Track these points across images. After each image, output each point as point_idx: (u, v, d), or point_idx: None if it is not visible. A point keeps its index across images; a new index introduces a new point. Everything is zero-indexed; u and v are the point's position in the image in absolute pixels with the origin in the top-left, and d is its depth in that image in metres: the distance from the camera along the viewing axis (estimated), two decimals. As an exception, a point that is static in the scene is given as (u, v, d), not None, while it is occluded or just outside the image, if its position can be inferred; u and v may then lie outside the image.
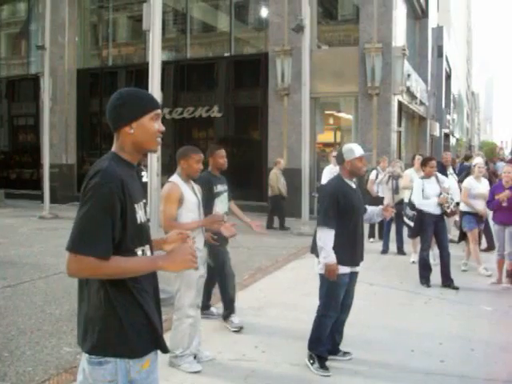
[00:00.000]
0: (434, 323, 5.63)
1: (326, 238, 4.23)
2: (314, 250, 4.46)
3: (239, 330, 5.27)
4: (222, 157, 5.27)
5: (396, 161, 10.58)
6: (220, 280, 5.41)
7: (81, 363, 2.10)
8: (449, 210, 7.16)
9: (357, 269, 4.48)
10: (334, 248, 4.22)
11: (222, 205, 5.19)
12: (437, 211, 7.14)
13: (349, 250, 4.30)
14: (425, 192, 7.19)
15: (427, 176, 7.33)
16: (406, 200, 8.57)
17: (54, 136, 17.67)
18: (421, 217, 7.20)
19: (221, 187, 5.25)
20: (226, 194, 5.32)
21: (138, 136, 2.12)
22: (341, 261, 4.24)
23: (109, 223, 1.95)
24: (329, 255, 4.20)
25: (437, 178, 7.40)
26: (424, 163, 7.45)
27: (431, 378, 4.24)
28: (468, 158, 13.94)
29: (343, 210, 4.26)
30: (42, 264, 8.40)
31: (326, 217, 4.26)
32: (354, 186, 4.47)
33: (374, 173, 10.33)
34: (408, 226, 7.55)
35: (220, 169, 5.31)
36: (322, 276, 4.39)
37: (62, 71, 18.68)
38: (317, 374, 4.27)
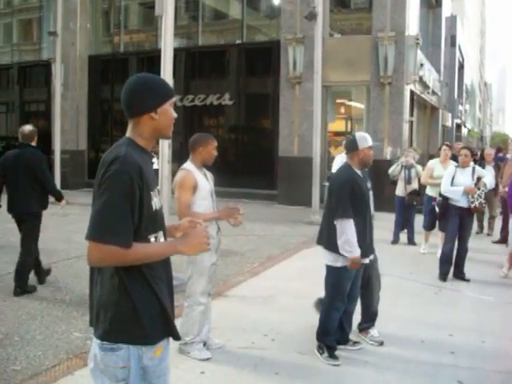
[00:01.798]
0: (444, 314, 5.60)
1: (351, 230, 4.15)
2: (322, 240, 4.39)
3: (380, 344, 4.73)
4: (370, 148, 4.73)
5: (409, 150, 10.47)
6: (363, 292, 4.77)
7: (92, 349, 2.10)
8: (473, 205, 6.81)
9: (366, 260, 4.41)
10: None
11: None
12: (464, 203, 6.85)
13: (361, 241, 4.22)
14: (455, 181, 6.90)
15: (462, 166, 7.07)
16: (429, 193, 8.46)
17: (66, 122, 17.72)
18: (446, 206, 6.96)
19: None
20: (370, 193, 4.73)
21: (161, 122, 2.11)
22: None
23: (129, 210, 1.94)
24: (354, 249, 4.14)
25: (473, 170, 7.06)
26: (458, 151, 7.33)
27: (441, 370, 4.22)
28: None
29: (356, 200, 4.20)
30: (53, 249, 8.44)
31: (346, 207, 4.16)
32: (361, 175, 4.42)
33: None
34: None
35: (365, 165, 4.80)
36: (329, 267, 4.34)
37: (74, 57, 18.68)
38: (326, 363, 4.26)
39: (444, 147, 8.62)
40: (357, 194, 4.22)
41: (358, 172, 4.38)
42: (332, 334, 4.39)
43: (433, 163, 8.59)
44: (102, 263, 1.96)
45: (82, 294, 5.89)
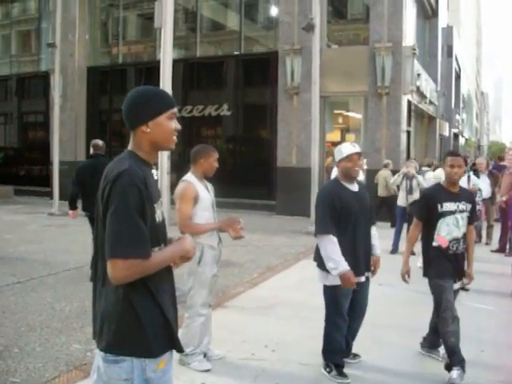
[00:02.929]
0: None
1: (330, 246, 3.98)
2: (317, 258, 4.22)
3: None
4: (452, 165, 4.21)
5: (411, 161, 10.51)
6: (440, 325, 4.29)
7: (95, 361, 2.10)
8: None
9: (361, 278, 4.20)
10: None
11: (448, 228, 4.21)
12: None
13: (349, 258, 3.99)
14: None
15: None
16: None
17: (64, 133, 17.72)
18: None
19: (452, 205, 4.22)
20: (461, 216, 4.24)
21: (155, 135, 2.10)
22: None
23: (142, 222, 1.96)
24: (339, 265, 3.92)
25: (468, 179, 7.13)
26: None
27: (441, 379, 4.21)
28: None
29: (339, 215, 4.03)
30: (52, 261, 8.43)
31: (324, 223, 4.03)
32: (354, 188, 4.20)
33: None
34: None
35: (451, 181, 4.29)
36: (324, 285, 4.21)
37: (72, 69, 18.74)
38: (336, 381, 4.13)
39: None
40: (340, 209, 4.03)
41: (349, 185, 4.19)
42: (338, 353, 4.25)
43: (440, 173, 8.40)
44: (129, 279, 1.95)
45: (81, 306, 5.89)
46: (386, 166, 12.73)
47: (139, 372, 2.00)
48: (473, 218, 4.44)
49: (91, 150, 7.59)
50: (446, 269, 4.25)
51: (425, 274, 4.40)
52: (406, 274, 4.47)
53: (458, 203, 4.25)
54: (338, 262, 3.94)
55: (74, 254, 8.74)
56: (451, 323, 4.19)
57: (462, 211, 4.25)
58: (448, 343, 4.18)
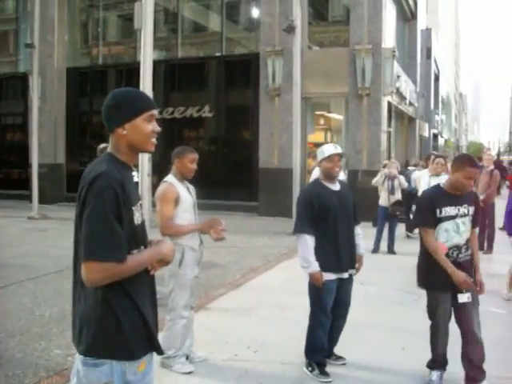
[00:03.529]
0: (423, 322, 5.59)
1: (305, 245, 4.13)
2: None
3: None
4: (470, 178, 3.87)
5: (392, 161, 10.60)
6: (430, 332, 4.22)
7: (75, 365, 2.08)
8: None
9: (345, 275, 4.26)
10: (316, 254, 4.11)
11: (447, 234, 3.89)
12: None
13: (331, 255, 4.13)
14: None
15: (435, 174, 7.32)
16: None
17: (43, 135, 17.48)
18: None
19: (452, 210, 3.90)
20: (462, 221, 3.92)
21: (132, 137, 2.09)
22: (323, 267, 4.10)
23: (118, 225, 1.94)
24: (310, 264, 4.09)
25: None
26: (432, 161, 7.57)
27: (422, 376, 4.23)
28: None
29: (319, 213, 4.14)
30: (31, 265, 8.31)
31: (301, 223, 4.18)
32: (335, 187, 4.29)
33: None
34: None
35: (460, 189, 3.95)
36: (308, 282, 4.27)
37: (51, 70, 18.51)
38: (318, 380, 4.16)
39: (433, 157, 8.11)
40: (318, 208, 4.14)
41: (329, 185, 4.28)
42: (320, 351, 4.29)
43: (423, 174, 8.27)
44: (103, 281, 1.93)
45: (61, 310, 5.80)
46: (384, 166, 12.66)
47: (119, 375, 1.98)
48: (476, 220, 4.11)
49: (97, 153, 7.90)
50: (441, 279, 3.87)
51: (419, 285, 4.21)
52: (465, 276, 3.83)
53: (458, 207, 3.91)
54: (310, 262, 4.12)
55: (54, 258, 8.63)
56: (441, 335, 4.12)
57: (463, 215, 3.92)
58: (435, 351, 4.22)
